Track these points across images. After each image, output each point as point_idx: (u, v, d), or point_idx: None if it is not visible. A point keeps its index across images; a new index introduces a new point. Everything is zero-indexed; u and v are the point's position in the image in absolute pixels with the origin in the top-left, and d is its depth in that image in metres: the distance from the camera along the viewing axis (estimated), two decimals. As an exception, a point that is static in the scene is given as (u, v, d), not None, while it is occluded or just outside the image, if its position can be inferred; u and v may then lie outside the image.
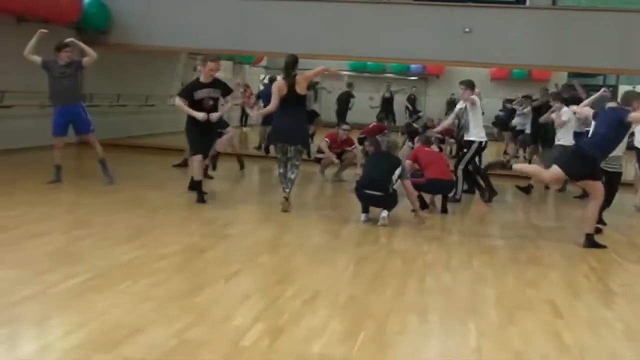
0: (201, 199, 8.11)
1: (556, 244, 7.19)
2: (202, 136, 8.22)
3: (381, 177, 7.55)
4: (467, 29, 12.64)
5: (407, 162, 8.47)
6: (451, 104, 23.58)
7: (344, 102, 18.36)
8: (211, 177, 9.93)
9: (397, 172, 7.66)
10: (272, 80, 15.33)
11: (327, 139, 11.15)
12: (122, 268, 5.20)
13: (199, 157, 8.22)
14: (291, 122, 7.88)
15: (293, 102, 7.85)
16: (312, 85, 13.95)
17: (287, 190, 8.01)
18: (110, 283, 4.78)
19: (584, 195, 9.22)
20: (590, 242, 7.03)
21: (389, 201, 7.60)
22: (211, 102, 8.05)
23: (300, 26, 13.05)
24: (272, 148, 9.58)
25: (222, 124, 9.28)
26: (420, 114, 21.33)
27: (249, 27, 13.09)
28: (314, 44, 12.93)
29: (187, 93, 8.09)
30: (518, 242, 7.23)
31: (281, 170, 8.16)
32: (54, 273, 4.92)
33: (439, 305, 4.83)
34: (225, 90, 8.27)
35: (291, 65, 7.87)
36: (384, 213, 7.56)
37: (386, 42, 12.90)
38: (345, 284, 5.23)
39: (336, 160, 11.07)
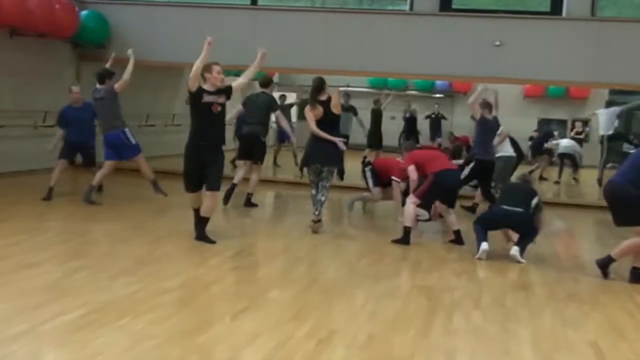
0: (204, 237, 7.65)
1: (598, 278, 7.12)
2: (198, 169, 7.61)
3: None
4: (497, 42, 12.66)
5: (410, 168, 8.67)
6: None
7: (376, 121, 18.21)
8: (255, 205, 10.37)
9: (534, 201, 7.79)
10: (283, 97, 15.48)
11: (401, 167, 9.68)
12: (121, 303, 5.21)
13: (192, 194, 7.77)
14: (327, 144, 8.53)
15: (329, 123, 8.55)
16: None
17: (316, 213, 8.60)
18: (107, 319, 4.79)
19: None
20: (636, 277, 6.97)
21: (526, 223, 7.68)
22: (219, 108, 7.65)
23: (316, 39, 13.15)
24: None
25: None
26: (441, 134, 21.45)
27: (260, 40, 13.11)
28: (331, 59, 13.02)
29: (195, 97, 7.57)
30: (556, 276, 7.18)
31: (313, 192, 8.73)
32: (46, 308, 4.95)
33: (468, 347, 4.79)
34: (228, 92, 7.78)
35: (321, 89, 8.59)
36: (515, 250, 7.64)
37: (409, 57, 12.96)
38: (364, 322, 5.20)
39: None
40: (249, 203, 10.31)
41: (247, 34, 13.29)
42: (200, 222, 7.64)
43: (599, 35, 12.45)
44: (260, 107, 10.16)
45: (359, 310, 5.49)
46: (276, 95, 13.35)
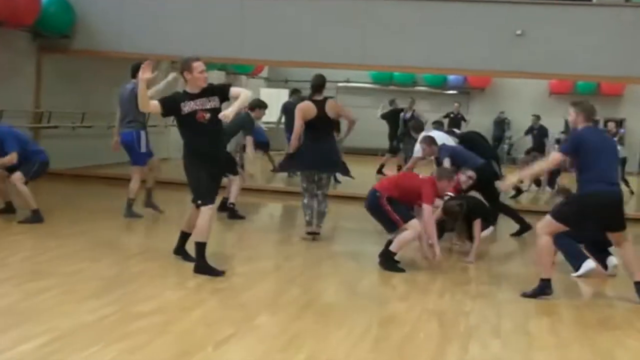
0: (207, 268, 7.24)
1: (634, 302, 7.16)
2: (212, 176, 7.31)
3: None
4: (518, 32, 12.68)
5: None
6: (499, 124, 23.71)
7: (394, 122, 18.30)
8: (241, 217, 10.47)
9: None
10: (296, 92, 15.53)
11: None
12: (89, 329, 5.22)
13: (212, 207, 7.25)
14: (325, 147, 8.86)
15: (324, 125, 8.87)
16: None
17: (320, 225, 9.07)
18: (73, 348, 4.79)
19: None
20: None
21: None
22: (208, 115, 7.10)
23: (311, 29, 13.18)
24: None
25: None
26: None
27: (248, 30, 13.25)
28: (329, 51, 13.06)
29: (170, 106, 7.19)
30: (587, 299, 7.21)
31: (305, 201, 9.02)
32: (3, 335, 4.95)
33: (485, 379, 4.81)
34: (224, 92, 7.34)
35: (321, 87, 8.98)
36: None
37: (418, 48, 12.99)
38: (367, 351, 5.22)
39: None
40: (234, 214, 10.35)
41: (233, 24, 13.34)
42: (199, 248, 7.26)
43: (635, 23, 12.48)
44: (228, 125, 10.18)
45: (361, 338, 5.48)
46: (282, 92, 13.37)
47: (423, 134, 11.14)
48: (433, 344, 5.44)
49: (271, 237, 9.79)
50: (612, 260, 8.27)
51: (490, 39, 12.80)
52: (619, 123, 23.11)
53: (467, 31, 12.86)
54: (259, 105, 11.18)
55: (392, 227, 7.89)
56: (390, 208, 7.82)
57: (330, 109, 8.96)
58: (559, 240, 7.55)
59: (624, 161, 16.99)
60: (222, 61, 16.53)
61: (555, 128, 21.81)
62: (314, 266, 7.95)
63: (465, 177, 9.72)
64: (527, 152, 17.23)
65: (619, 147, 16.83)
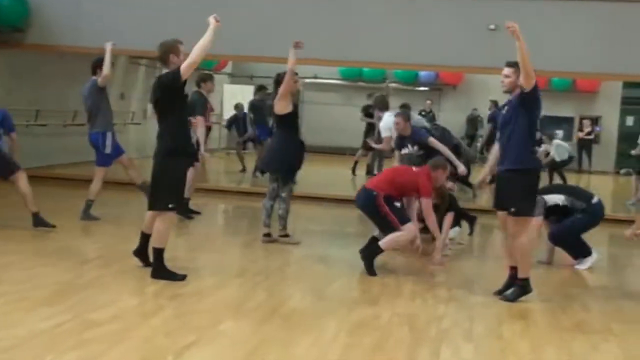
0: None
1: (611, 304, 7.23)
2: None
3: None
4: (492, 26, 12.74)
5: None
6: (472, 122, 23.85)
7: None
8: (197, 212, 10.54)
9: None
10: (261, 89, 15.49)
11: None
12: (42, 338, 5.16)
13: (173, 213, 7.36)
14: (273, 146, 8.99)
15: (274, 123, 9.00)
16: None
17: (281, 228, 9.08)
18: (25, 358, 4.74)
19: None
20: None
21: None
22: None
23: (278, 23, 13.13)
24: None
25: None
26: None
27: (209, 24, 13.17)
28: (288, 47, 13.01)
29: (183, 87, 7.22)
30: (561, 302, 7.26)
31: (264, 201, 9.11)
32: (-50, 346, 4.89)
33: (458, 386, 4.83)
34: None
35: (277, 83, 9.05)
36: None
37: (388, 43, 13.02)
38: (335, 358, 5.21)
39: None
40: (188, 210, 10.30)
41: (195, 17, 13.22)
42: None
43: (614, 19, 12.58)
44: None
45: (330, 345, 5.49)
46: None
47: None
48: (404, 350, 5.46)
49: (236, 239, 9.76)
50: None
51: (463, 34, 12.84)
52: (595, 121, 23.37)
53: (439, 26, 12.90)
54: (204, 78, 10.91)
55: (389, 228, 7.89)
56: (388, 208, 7.84)
57: (276, 104, 9.03)
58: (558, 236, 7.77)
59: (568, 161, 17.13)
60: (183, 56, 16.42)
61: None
62: (280, 270, 7.95)
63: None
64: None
65: (566, 145, 17.14)
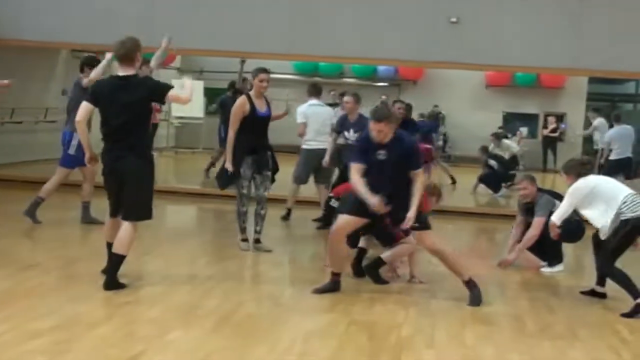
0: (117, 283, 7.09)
1: (576, 308, 7.33)
2: None
3: None
4: (453, 19, 12.83)
5: None
6: (434, 118, 23.96)
7: None
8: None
9: None
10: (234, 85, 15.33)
11: None
12: (-22, 351, 5.10)
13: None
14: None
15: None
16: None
17: (257, 229, 9.09)
18: (-40, 372, 4.69)
19: None
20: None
21: None
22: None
23: (232, 16, 13.10)
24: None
25: None
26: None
27: (160, 16, 13.11)
28: (249, 40, 13.01)
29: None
30: (526, 306, 7.34)
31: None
32: None
33: (419, 395, 4.86)
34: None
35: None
36: None
37: (346, 37, 13.04)
38: (291, 368, 5.22)
39: None
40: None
41: (144, 9, 13.19)
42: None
43: (577, 13, 12.73)
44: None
45: (284, 354, 5.49)
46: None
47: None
48: (363, 359, 5.47)
49: (187, 243, 9.70)
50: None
51: (423, 27, 12.88)
52: (560, 118, 23.62)
53: (399, 19, 12.93)
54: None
55: (391, 241, 7.92)
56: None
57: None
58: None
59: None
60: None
61: (493, 123, 22.23)
62: (233, 276, 7.91)
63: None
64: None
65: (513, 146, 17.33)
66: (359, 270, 8.07)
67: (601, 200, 7.41)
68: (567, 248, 8.94)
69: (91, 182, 10.01)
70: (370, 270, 7.96)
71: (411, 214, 6.98)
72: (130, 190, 6.95)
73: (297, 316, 6.58)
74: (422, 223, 7.23)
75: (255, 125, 8.89)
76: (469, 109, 23.93)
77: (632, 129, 15.72)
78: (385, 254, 7.95)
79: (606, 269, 7.43)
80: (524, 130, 23.27)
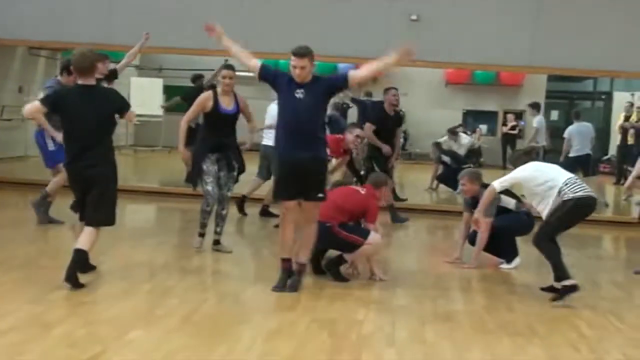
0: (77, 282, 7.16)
1: (535, 304, 7.39)
2: None
3: None
4: (413, 17, 12.87)
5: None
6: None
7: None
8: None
9: None
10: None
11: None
12: None
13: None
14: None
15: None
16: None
17: (217, 230, 8.97)
18: None
19: None
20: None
21: None
22: None
23: (190, 13, 13.02)
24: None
25: None
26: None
27: (117, 13, 13.01)
28: (202, 37, 12.90)
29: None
30: (485, 303, 7.39)
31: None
32: None
33: (380, 393, 4.87)
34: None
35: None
36: None
37: (305, 34, 13.00)
38: (252, 367, 5.22)
39: None
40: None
41: (100, 7, 13.09)
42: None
43: (536, 11, 12.85)
44: None
45: (245, 353, 5.48)
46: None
47: None
48: (323, 357, 5.48)
49: (146, 243, 9.65)
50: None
51: (383, 24, 12.89)
52: (519, 115, 23.81)
53: (359, 16, 12.95)
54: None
55: (355, 248, 7.90)
56: (345, 231, 7.87)
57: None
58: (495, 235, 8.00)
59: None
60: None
61: (453, 120, 22.31)
62: (193, 275, 7.87)
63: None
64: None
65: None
66: (319, 269, 8.08)
67: (544, 182, 7.63)
68: (525, 245, 9.00)
69: (61, 182, 9.85)
70: (330, 268, 7.97)
71: None
72: (96, 197, 7.03)
73: (258, 315, 6.58)
74: (325, 195, 7.40)
75: (219, 123, 8.81)
76: (429, 107, 24.05)
77: (591, 126, 15.90)
78: (349, 256, 7.96)
79: (540, 242, 7.61)
80: (483, 127, 23.44)
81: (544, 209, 7.66)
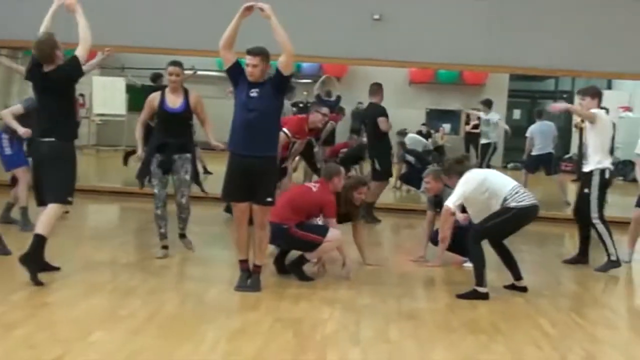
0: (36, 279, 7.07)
1: (498, 301, 7.44)
2: None
3: None
4: (376, 16, 12.89)
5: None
6: (357, 115, 24.12)
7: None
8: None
9: None
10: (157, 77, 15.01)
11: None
12: None
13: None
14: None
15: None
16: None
17: (180, 226, 8.79)
18: None
19: None
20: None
21: None
22: None
23: (150, 12, 12.95)
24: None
25: None
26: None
27: (62, 12, 12.86)
28: (165, 35, 12.87)
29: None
30: (449, 302, 7.42)
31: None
32: None
33: (344, 392, 4.87)
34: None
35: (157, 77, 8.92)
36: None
37: (268, 33, 12.94)
38: (216, 367, 5.20)
39: None
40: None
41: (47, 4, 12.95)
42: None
43: (498, 10, 12.90)
44: None
45: (210, 353, 5.47)
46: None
47: None
48: (287, 356, 5.48)
49: (108, 243, 9.58)
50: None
51: (346, 23, 12.90)
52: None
53: (322, 15, 12.93)
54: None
55: (314, 247, 7.89)
56: (303, 231, 7.87)
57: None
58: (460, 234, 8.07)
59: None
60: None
61: (416, 119, 22.41)
62: (155, 275, 7.83)
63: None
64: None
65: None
66: (283, 268, 8.07)
67: (487, 191, 7.67)
68: (487, 245, 9.05)
69: (24, 187, 9.70)
70: (293, 268, 7.96)
71: None
72: (52, 170, 7.25)
73: (222, 315, 6.55)
74: (273, 200, 7.35)
75: (164, 121, 8.52)
76: (393, 106, 23.78)
77: (553, 125, 16.07)
78: (309, 254, 7.96)
79: (471, 244, 7.68)
80: (446, 126, 23.52)
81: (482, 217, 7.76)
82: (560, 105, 9.10)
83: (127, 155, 15.53)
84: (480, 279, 7.50)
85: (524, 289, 7.86)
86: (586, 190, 9.15)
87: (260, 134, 7.23)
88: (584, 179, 9.35)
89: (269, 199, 7.27)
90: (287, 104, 12.31)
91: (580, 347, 6.22)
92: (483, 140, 17.78)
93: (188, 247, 8.92)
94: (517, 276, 7.84)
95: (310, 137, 10.94)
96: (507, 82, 24.22)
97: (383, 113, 12.20)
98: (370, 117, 12.50)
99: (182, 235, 8.93)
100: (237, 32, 7.69)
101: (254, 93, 7.25)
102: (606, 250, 9.16)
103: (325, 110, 10.64)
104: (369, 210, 11.74)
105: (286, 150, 10.19)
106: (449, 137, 23.02)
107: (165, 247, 8.67)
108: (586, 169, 9.29)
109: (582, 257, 9.51)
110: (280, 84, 7.46)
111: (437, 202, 8.82)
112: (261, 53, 7.44)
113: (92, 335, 5.70)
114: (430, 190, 9.11)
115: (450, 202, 7.67)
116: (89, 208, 12.44)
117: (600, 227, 9.14)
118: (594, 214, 9.08)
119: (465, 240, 8.59)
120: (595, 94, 9.45)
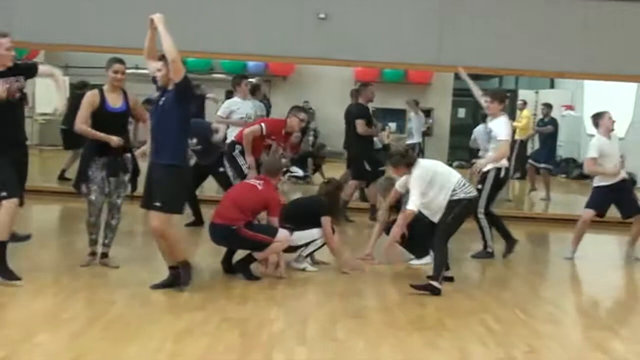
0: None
1: (445, 298, 7.50)
2: (17, 165, 7.64)
3: None
4: (322, 15, 12.90)
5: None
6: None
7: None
8: None
9: None
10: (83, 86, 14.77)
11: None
12: None
13: (16, 201, 7.33)
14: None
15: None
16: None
17: (106, 242, 8.20)
18: None
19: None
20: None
21: None
22: (18, 95, 7.54)
23: (91, 10, 12.83)
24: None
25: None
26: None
27: (19, 9, 12.73)
28: (115, 35, 12.75)
29: None
30: (397, 299, 7.47)
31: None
32: None
33: (291, 391, 4.88)
34: (31, 71, 8.03)
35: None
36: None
37: (214, 32, 12.95)
38: (162, 368, 5.17)
39: None
40: None
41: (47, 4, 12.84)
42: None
43: (441, 10, 13.01)
44: None
45: (155, 354, 5.44)
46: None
47: None
48: (234, 356, 5.49)
49: (51, 244, 9.47)
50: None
51: (292, 22, 12.90)
52: (427, 113, 24.10)
53: (267, 13, 12.90)
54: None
55: (264, 246, 7.86)
56: (252, 231, 7.81)
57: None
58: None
59: None
60: None
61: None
62: (99, 276, 7.76)
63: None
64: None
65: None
66: (229, 268, 8.05)
67: (437, 184, 7.86)
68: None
69: None
70: (240, 267, 7.95)
71: None
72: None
73: (168, 315, 6.53)
74: (162, 205, 7.08)
75: (106, 122, 8.08)
76: (339, 105, 23.84)
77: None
78: (258, 254, 7.95)
79: (437, 244, 7.80)
80: (392, 125, 23.61)
81: (436, 208, 7.89)
82: (480, 166, 9.58)
83: (63, 172, 15.26)
84: (438, 274, 7.60)
85: (450, 279, 8.05)
86: (479, 187, 9.41)
87: (162, 141, 7.13)
88: (482, 176, 9.71)
89: (157, 204, 7.02)
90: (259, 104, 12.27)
91: (524, 343, 6.29)
92: (408, 141, 18.05)
93: (111, 265, 8.21)
94: (435, 276, 7.88)
95: (286, 142, 10.61)
96: (452, 81, 24.38)
97: (361, 115, 12.38)
98: (350, 118, 12.67)
99: (104, 255, 8.23)
100: (154, 43, 7.63)
101: (161, 100, 7.20)
102: (485, 241, 9.64)
103: (303, 115, 10.48)
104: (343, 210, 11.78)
105: (260, 147, 10.09)
106: (394, 136, 23.13)
107: (93, 254, 8.23)
108: (485, 168, 9.61)
109: (510, 245, 9.81)
110: (182, 90, 7.20)
111: (398, 208, 8.87)
112: (164, 57, 7.19)
113: (36, 337, 5.65)
114: (392, 201, 9.13)
115: (413, 205, 7.76)
116: (33, 209, 12.26)
117: (483, 221, 9.58)
118: (481, 209, 9.40)
119: (417, 238, 8.67)
120: (502, 98, 10.60)
